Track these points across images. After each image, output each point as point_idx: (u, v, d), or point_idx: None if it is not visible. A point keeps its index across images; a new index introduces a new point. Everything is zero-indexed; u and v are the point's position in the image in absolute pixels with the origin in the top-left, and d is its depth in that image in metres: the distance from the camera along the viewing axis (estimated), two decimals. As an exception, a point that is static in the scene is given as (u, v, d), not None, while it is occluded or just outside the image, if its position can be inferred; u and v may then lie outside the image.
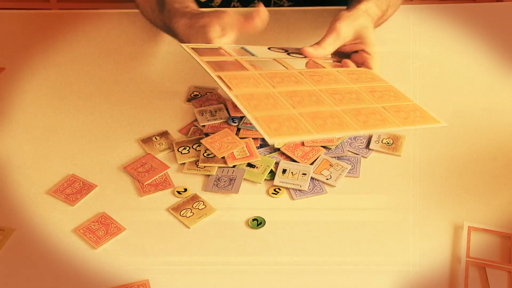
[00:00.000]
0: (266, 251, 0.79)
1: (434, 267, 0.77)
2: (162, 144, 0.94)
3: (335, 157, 0.91)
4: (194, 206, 0.85)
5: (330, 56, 0.94)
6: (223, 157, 0.89)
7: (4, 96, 1.04)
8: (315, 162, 0.90)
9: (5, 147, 0.94)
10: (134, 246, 0.80)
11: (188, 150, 0.92)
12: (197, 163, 0.90)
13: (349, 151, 0.92)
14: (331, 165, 0.89)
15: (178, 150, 0.92)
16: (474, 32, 1.15)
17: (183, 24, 0.90)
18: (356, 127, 0.77)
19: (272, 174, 0.88)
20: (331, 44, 0.90)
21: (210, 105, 1.00)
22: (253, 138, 0.92)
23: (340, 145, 0.93)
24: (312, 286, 0.75)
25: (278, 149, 0.92)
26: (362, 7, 0.94)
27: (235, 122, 0.96)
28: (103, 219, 0.83)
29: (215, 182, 0.87)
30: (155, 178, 0.88)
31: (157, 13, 1.00)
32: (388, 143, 0.93)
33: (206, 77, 0.82)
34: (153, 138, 0.95)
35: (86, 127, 0.98)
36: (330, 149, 0.92)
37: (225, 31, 0.88)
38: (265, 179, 0.88)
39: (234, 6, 1.23)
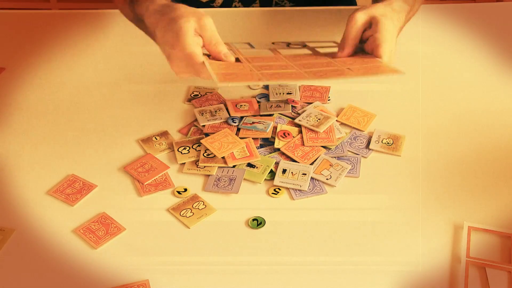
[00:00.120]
0: (266, 251, 0.79)
1: (434, 267, 0.77)
2: (162, 144, 0.94)
3: (335, 157, 0.91)
4: (194, 206, 0.85)
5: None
6: (223, 157, 0.89)
7: (4, 96, 1.04)
8: (315, 162, 0.90)
9: (5, 147, 0.94)
10: (134, 246, 0.80)
11: (188, 150, 0.92)
12: (197, 163, 0.90)
13: (349, 151, 0.92)
14: (331, 165, 0.89)
15: (178, 150, 0.92)
16: (474, 32, 1.15)
17: (153, 9, 0.89)
18: (306, 76, 0.78)
19: (272, 174, 0.88)
20: (351, 36, 0.89)
21: (210, 105, 1.00)
22: (253, 138, 0.92)
23: (340, 145, 0.93)
24: (312, 286, 0.75)
25: (278, 149, 0.92)
26: (386, 1, 0.92)
27: (235, 122, 0.96)
28: (103, 219, 0.83)
29: (215, 182, 0.87)
30: (155, 178, 0.89)
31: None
32: (388, 143, 0.93)
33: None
34: (153, 138, 0.95)
35: (86, 127, 0.98)
36: (330, 149, 0.92)
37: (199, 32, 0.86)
38: (265, 179, 0.88)
39: (235, 6, 1.23)
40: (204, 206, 0.85)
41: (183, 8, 0.86)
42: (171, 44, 0.84)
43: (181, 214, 0.84)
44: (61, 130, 0.97)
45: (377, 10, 0.90)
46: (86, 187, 0.87)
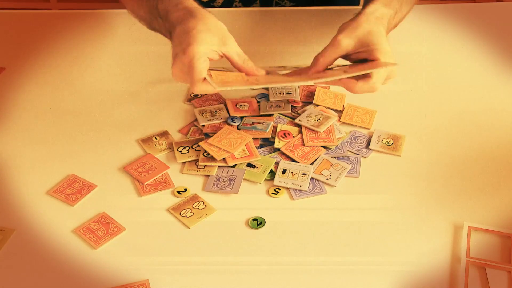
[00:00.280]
0: (266, 251, 0.79)
1: (434, 267, 0.77)
2: (162, 144, 0.94)
3: (335, 157, 0.91)
4: (194, 206, 0.85)
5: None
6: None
7: (4, 96, 1.04)
8: (315, 162, 0.90)
9: (5, 147, 0.94)
10: (134, 246, 0.80)
11: (188, 150, 0.92)
12: (197, 163, 0.90)
13: (349, 151, 0.92)
14: (331, 165, 0.89)
15: (178, 150, 0.92)
16: (474, 32, 1.15)
17: (184, 7, 0.88)
18: (303, 78, 0.81)
19: (272, 174, 0.88)
20: (328, 57, 0.87)
21: (210, 105, 1.00)
22: (253, 138, 0.92)
23: (340, 145, 0.93)
24: (312, 286, 0.75)
25: (278, 149, 0.92)
26: (368, 10, 0.90)
27: (235, 122, 0.96)
28: (103, 219, 0.83)
29: (215, 182, 0.87)
30: (155, 178, 0.88)
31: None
32: (388, 143, 0.93)
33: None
34: (153, 138, 0.95)
35: (86, 127, 0.98)
36: (330, 149, 0.92)
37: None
38: (265, 179, 0.88)
39: (236, 6, 1.23)
40: (204, 206, 0.85)
41: (213, 21, 0.86)
42: (183, 47, 0.83)
43: (181, 214, 0.84)
44: (61, 130, 0.97)
45: (362, 29, 0.87)
46: (86, 187, 0.87)
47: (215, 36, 0.84)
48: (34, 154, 0.93)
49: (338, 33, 0.88)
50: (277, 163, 0.90)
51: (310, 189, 0.87)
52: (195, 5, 0.89)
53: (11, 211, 0.85)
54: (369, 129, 0.95)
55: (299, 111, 0.98)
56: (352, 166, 0.89)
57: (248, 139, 0.91)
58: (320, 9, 1.20)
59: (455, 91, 1.03)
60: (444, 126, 0.96)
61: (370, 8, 0.90)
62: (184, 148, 0.92)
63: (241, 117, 0.97)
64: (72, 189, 0.87)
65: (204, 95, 1.02)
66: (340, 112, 0.98)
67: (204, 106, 0.99)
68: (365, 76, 0.85)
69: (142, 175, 0.89)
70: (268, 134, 0.93)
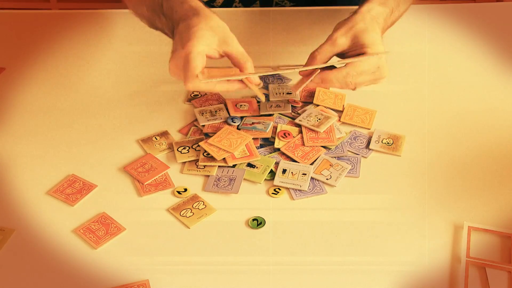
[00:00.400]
0: (266, 251, 0.79)
1: (434, 267, 0.77)
2: (162, 144, 0.94)
3: (335, 157, 0.91)
4: (194, 206, 0.85)
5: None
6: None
7: (4, 96, 1.04)
8: (315, 162, 0.90)
9: (5, 147, 0.94)
10: (134, 246, 0.80)
11: (188, 150, 0.92)
12: (197, 163, 0.90)
13: (349, 151, 0.92)
14: (331, 165, 0.89)
15: (178, 150, 0.92)
16: (474, 32, 1.15)
17: (190, 6, 0.88)
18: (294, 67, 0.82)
19: (272, 174, 0.88)
20: (324, 54, 0.88)
21: (210, 105, 1.00)
22: (253, 138, 0.92)
23: (340, 145, 0.93)
24: (312, 286, 0.75)
25: (278, 149, 0.92)
26: (363, 9, 0.91)
27: (235, 122, 0.96)
28: (103, 219, 0.83)
29: (215, 182, 0.87)
30: (155, 178, 0.88)
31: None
32: (388, 143, 0.93)
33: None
34: (153, 138, 0.95)
35: (86, 127, 0.98)
36: (330, 149, 0.92)
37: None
38: (265, 179, 0.88)
39: (236, 7, 1.23)
40: (204, 206, 0.85)
41: (216, 20, 0.86)
42: (182, 43, 0.84)
43: (181, 214, 0.84)
44: (61, 130, 0.97)
45: (357, 27, 0.88)
46: (86, 187, 0.87)
47: (216, 35, 0.85)
48: (34, 154, 0.93)
49: (334, 31, 0.90)
50: (277, 163, 0.90)
51: (310, 189, 0.87)
52: (200, 5, 0.89)
53: (11, 211, 0.85)
54: (369, 129, 0.96)
55: (299, 111, 0.98)
56: (352, 166, 0.89)
57: (248, 139, 0.91)
58: (320, 9, 1.20)
59: (455, 91, 1.03)
60: (444, 126, 0.96)
61: (366, 7, 0.92)
62: (184, 148, 0.92)
63: (241, 117, 0.97)
64: (72, 189, 0.87)
65: (204, 95, 1.02)
66: (340, 112, 0.98)
67: (204, 106, 1.00)
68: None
69: (142, 175, 0.89)
70: (268, 134, 0.93)
